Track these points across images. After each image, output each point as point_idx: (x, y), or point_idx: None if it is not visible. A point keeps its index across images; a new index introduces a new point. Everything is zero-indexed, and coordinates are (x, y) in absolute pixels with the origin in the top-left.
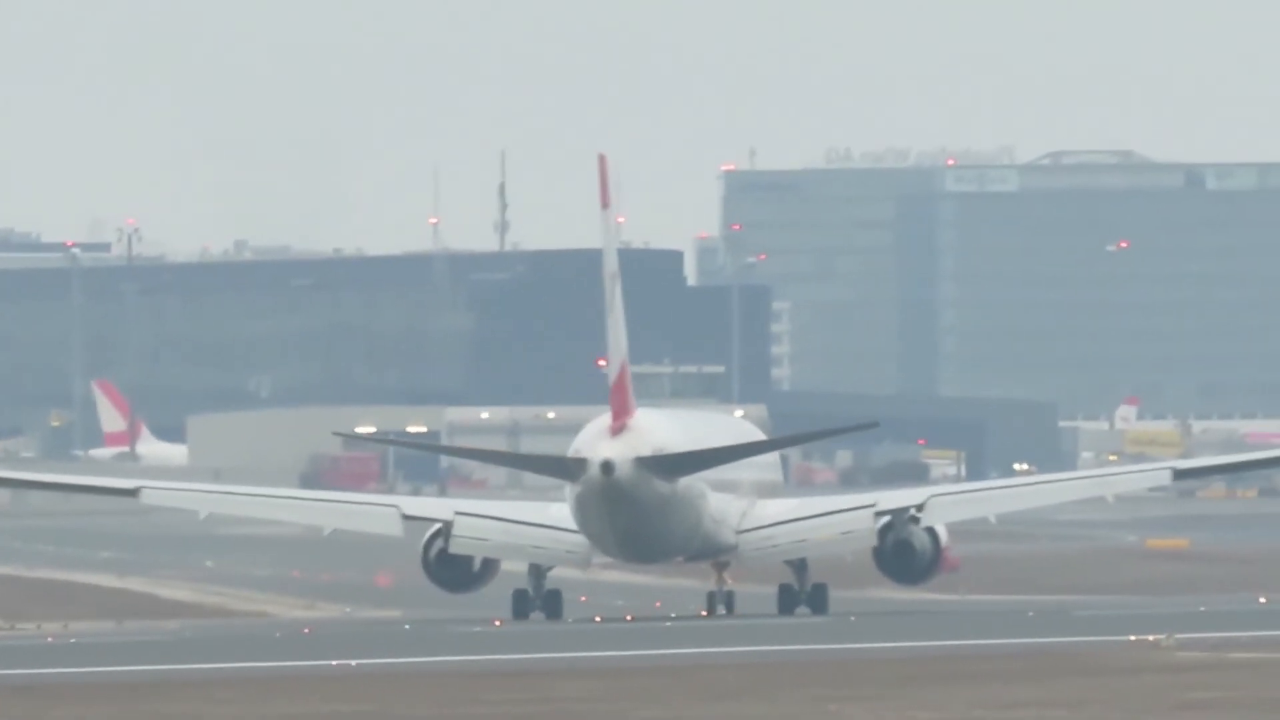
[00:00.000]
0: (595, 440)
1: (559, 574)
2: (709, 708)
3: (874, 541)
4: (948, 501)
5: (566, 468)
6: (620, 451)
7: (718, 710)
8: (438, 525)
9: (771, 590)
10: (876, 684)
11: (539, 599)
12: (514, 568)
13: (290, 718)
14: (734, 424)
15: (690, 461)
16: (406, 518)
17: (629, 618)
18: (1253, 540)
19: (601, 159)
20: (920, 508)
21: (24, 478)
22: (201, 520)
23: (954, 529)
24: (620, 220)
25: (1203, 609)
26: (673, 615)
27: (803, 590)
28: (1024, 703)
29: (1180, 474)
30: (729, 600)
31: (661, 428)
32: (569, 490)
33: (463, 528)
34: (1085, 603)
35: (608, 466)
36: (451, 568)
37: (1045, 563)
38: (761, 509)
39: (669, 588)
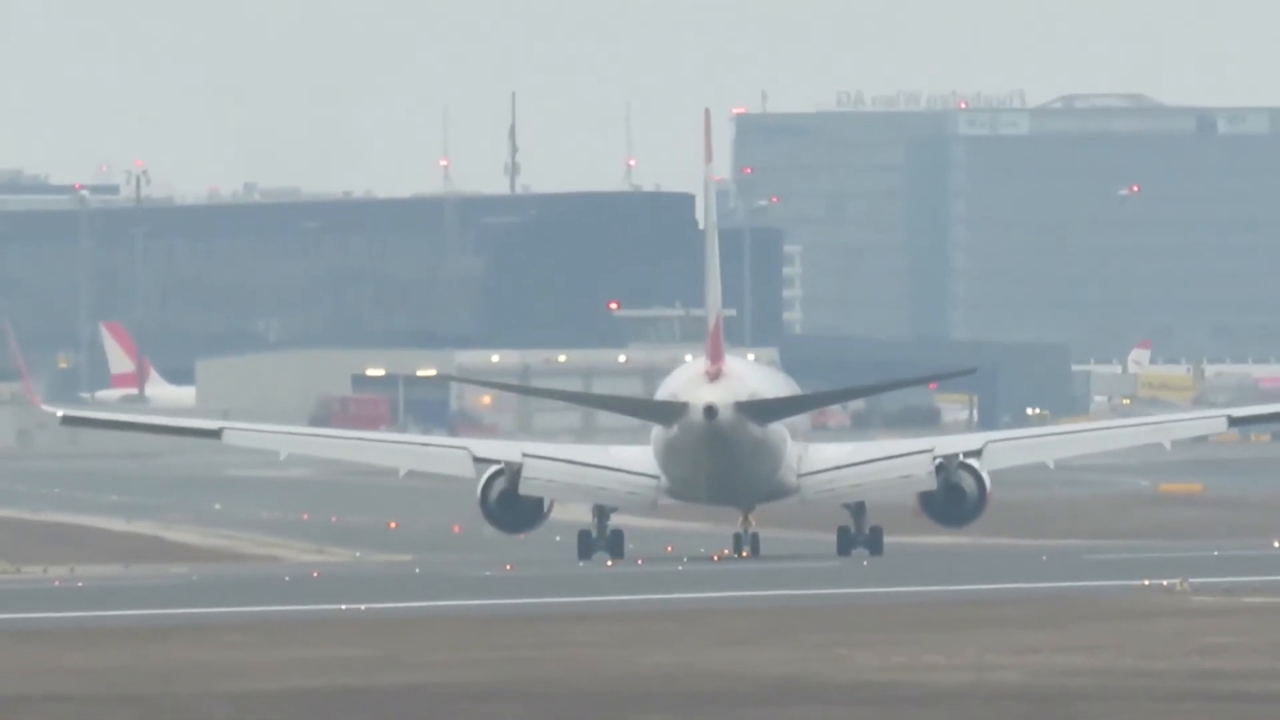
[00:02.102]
0: (693, 384)
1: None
2: (720, 652)
3: (932, 485)
4: (1005, 447)
5: (663, 411)
6: (721, 396)
7: (729, 655)
8: (497, 466)
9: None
10: (889, 629)
11: (602, 540)
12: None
13: (300, 662)
14: (775, 372)
15: (781, 407)
16: (477, 460)
17: (640, 561)
18: (1266, 485)
19: (706, 114)
20: (978, 453)
21: (103, 417)
22: (281, 460)
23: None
24: (631, 163)
25: (1216, 554)
26: (685, 559)
27: (860, 533)
28: (1038, 647)
29: (1235, 421)
30: (754, 542)
31: (751, 374)
32: (657, 433)
33: (532, 470)
34: (1099, 547)
35: (711, 410)
36: (512, 509)
37: (1058, 507)
38: (817, 453)
39: (678, 531)
